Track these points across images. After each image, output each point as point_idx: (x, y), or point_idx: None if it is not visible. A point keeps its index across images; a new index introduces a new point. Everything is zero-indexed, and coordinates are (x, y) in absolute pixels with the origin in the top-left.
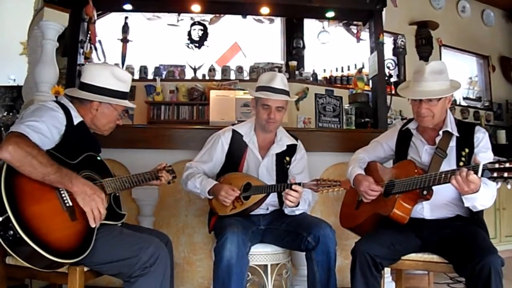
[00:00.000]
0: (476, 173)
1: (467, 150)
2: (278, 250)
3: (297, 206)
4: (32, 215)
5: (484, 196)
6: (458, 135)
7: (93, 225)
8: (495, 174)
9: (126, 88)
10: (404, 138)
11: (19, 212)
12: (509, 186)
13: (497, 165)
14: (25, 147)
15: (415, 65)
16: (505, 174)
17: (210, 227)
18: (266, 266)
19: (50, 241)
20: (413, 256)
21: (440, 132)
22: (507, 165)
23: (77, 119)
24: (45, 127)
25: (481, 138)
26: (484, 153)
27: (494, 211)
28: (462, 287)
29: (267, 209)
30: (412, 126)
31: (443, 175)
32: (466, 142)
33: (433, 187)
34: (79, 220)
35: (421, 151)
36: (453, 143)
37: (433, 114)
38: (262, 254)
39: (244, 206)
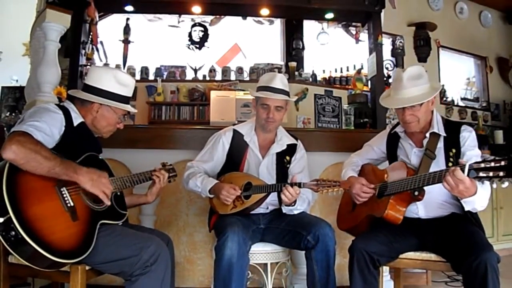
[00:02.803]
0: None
1: (454, 151)
2: (278, 249)
3: (293, 205)
4: (33, 216)
5: (482, 197)
6: (445, 135)
7: (108, 203)
8: (481, 174)
9: (128, 93)
10: (393, 141)
11: (20, 213)
12: (494, 185)
13: (482, 165)
14: (28, 145)
15: (393, 73)
16: (491, 174)
17: (211, 226)
18: (266, 264)
19: (51, 242)
20: (411, 254)
21: (427, 134)
22: (493, 164)
23: (77, 120)
24: (46, 126)
25: (467, 137)
26: (470, 151)
27: (492, 210)
28: (460, 286)
29: (267, 208)
30: (399, 129)
31: (432, 176)
32: (452, 142)
33: (425, 188)
34: (80, 220)
35: (410, 154)
36: (440, 144)
37: (417, 119)
38: (262, 253)
39: (244, 205)
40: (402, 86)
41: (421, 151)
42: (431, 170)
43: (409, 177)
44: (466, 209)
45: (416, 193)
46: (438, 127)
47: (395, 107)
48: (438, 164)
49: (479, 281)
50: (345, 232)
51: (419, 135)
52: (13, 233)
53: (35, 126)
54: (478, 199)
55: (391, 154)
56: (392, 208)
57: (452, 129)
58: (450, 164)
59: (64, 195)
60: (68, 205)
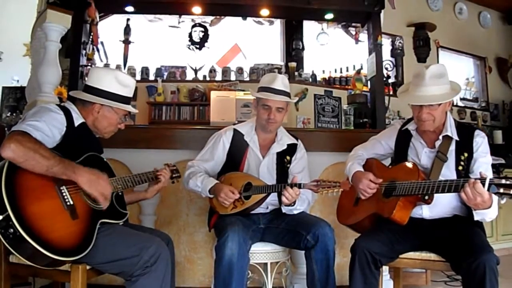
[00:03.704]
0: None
1: (466, 155)
2: (277, 249)
3: (293, 205)
4: (32, 214)
5: (494, 210)
6: (458, 139)
7: (105, 206)
8: (501, 190)
9: (128, 93)
10: (403, 139)
11: (19, 211)
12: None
13: (503, 181)
14: (27, 143)
15: (415, 68)
16: None
17: (210, 225)
18: (266, 264)
19: (50, 240)
20: (411, 254)
21: (440, 137)
22: None
23: (78, 120)
24: (46, 126)
25: (480, 143)
26: (483, 157)
27: None
28: (459, 286)
29: (267, 208)
30: (411, 127)
31: (448, 184)
32: (465, 146)
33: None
34: (80, 219)
35: (420, 153)
36: (452, 147)
37: (433, 118)
38: (262, 252)
39: (244, 205)
40: (424, 83)
41: (432, 152)
42: (442, 173)
43: (422, 181)
44: (476, 219)
45: (427, 197)
46: (451, 130)
47: (415, 104)
48: (449, 167)
49: (477, 282)
50: (345, 227)
51: (431, 134)
52: (12, 230)
53: (34, 126)
54: (490, 212)
55: (400, 151)
56: (400, 209)
57: (465, 133)
58: (460, 167)
59: (64, 194)
60: (68, 203)
